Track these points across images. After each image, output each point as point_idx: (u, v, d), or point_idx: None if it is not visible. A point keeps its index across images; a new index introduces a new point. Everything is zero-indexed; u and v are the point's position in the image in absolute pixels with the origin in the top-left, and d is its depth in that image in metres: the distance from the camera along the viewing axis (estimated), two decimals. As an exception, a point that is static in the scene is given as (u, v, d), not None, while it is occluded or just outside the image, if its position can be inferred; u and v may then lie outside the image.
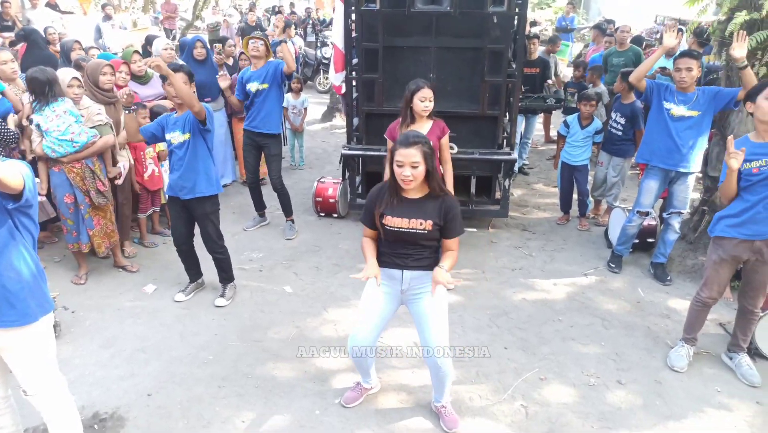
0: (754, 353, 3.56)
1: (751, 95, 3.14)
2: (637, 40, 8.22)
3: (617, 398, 3.22)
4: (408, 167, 2.47)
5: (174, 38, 13.30)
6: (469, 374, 3.38)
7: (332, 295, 4.28)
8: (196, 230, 4.09)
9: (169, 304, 4.11)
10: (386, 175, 4.07)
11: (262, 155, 5.27)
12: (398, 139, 2.56)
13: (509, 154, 5.15)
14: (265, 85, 4.96)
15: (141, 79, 5.24)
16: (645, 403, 3.18)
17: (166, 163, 5.13)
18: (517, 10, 4.94)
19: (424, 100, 3.69)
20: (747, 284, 3.33)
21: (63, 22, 10.37)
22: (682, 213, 4.45)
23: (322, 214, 5.71)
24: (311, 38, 13.99)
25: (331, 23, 14.58)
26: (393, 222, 2.57)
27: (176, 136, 3.79)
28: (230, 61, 6.62)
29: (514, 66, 5.08)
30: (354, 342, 2.80)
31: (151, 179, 4.90)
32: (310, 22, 14.53)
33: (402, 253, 2.67)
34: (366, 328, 2.77)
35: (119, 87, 4.78)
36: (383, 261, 2.73)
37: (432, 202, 2.59)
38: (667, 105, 4.19)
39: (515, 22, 5.03)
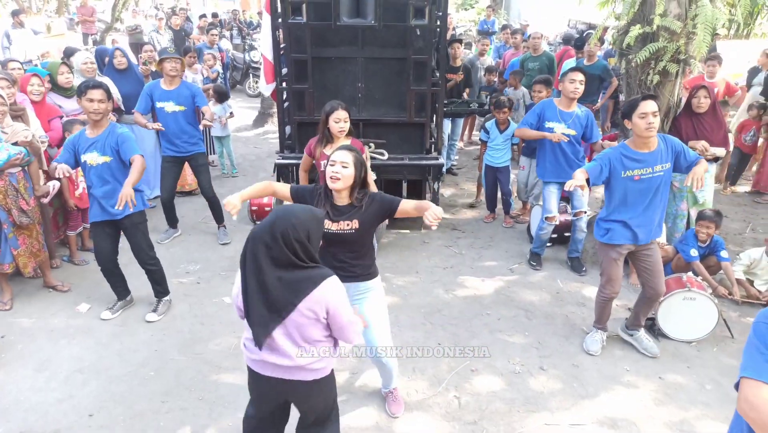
0: (658, 333, 3.99)
1: (626, 114, 3.43)
2: (581, 41, 8.55)
3: (539, 383, 3.53)
4: (339, 165, 2.69)
5: (94, 42, 12.78)
6: (407, 371, 3.60)
7: (271, 303, 4.37)
8: (120, 247, 4.07)
9: (104, 322, 4.07)
10: (302, 182, 4.27)
11: (182, 171, 5.33)
12: (340, 147, 2.82)
13: (437, 158, 5.42)
14: (182, 108, 5.00)
15: (67, 91, 5.09)
16: (564, 386, 3.51)
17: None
18: (438, 22, 5.20)
19: (338, 122, 3.82)
20: (644, 272, 3.69)
21: (-32, 27, 9.77)
22: (585, 212, 4.85)
23: (259, 222, 5.76)
24: (237, 41, 13.85)
25: (258, 26, 14.48)
26: (325, 225, 2.73)
27: (94, 158, 3.74)
28: (154, 68, 6.51)
29: (437, 74, 5.35)
30: None
31: (82, 197, 4.79)
32: (235, 25, 14.37)
33: (337, 264, 2.84)
34: None
35: (35, 103, 4.65)
36: None
37: (355, 208, 2.78)
38: (550, 124, 4.61)
39: (437, 33, 5.29)
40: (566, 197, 5.21)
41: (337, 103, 3.85)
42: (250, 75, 12.05)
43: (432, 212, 2.59)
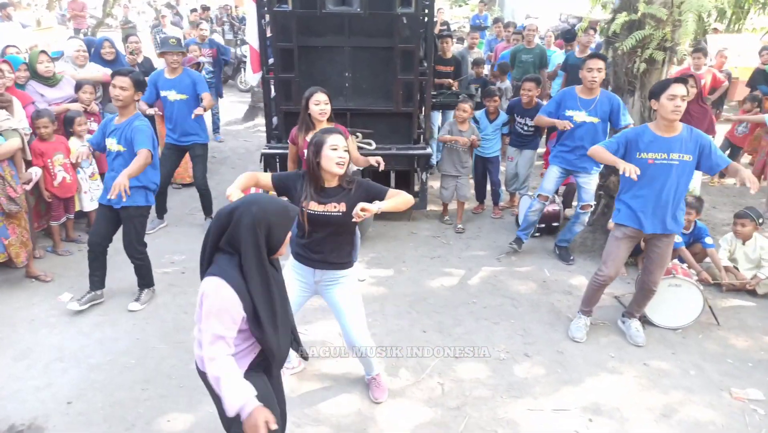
0: (644, 320, 3.97)
1: (655, 93, 3.39)
2: (570, 33, 8.56)
3: (523, 369, 3.51)
4: (341, 149, 2.68)
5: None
6: (390, 358, 3.57)
7: (256, 292, 4.34)
8: (115, 236, 4.05)
9: (86, 312, 4.02)
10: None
11: (181, 160, 5.30)
12: (326, 130, 2.77)
13: (424, 148, 5.40)
14: (185, 96, 5.00)
15: (48, 80, 5.04)
16: (548, 372, 3.49)
17: (82, 171, 5.00)
18: (425, 11, 5.18)
19: (318, 104, 3.80)
20: (647, 258, 3.70)
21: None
22: (592, 206, 4.81)
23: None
24: (230, 36, 13.79)
25: (250, 21, 14.39)
26: (310, 206, 2.75)
27: (113, 145, 3.79)
28: (140, 59, 6.46)
29: (425, 64, 5.33)
30: None
31: (61, 187, 4.74)
32: (227, 20, 14.30)
33: (316, 249, 2.83)
34: None
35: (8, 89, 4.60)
36: (299, 255, 2.89)
37: (343, 191, 2.77)
38: (570, 112, 4.52)
39: (424, 22, 5.27)
40: (566, 183, 5.23)
41: (316, 87, 3.83)
42: (242, 70, 12.00)
43: (359, 205, 2.52)
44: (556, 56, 7.94)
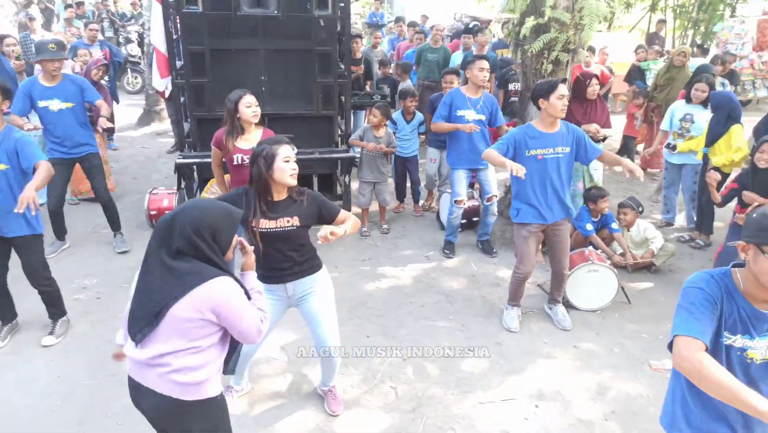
0: (566, 304, 4.28)
1: (543, 94, 3.60)
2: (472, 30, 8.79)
3: (469, 364, 3.64)
4: (293, 161, 2.63)
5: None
6: (340, 366, 3.53)
7: (186, 312, 4.10)
8: (11, 263, 3.62)
9: (-9, 352, 3.58)
10: (218, 181, 4.06)
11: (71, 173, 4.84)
12: (273, 141, 2.66)
13: (347, 151, 5.38)
14: (71, 104, 4.53)
15: None
16: (491, 364, 3.65)
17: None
18: (340, 13, 5.14)
19: (250, 106, 3.68)
20: (552, 248, 3.99)
21: None
22: (497, 196, 5.07)
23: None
24: (110, 33, 12.82)
25: (132, 18, 13.45)
26: (262, 224, 2.64)
27: None
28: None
29: (342, 66, 5.30)
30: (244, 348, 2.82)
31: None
32: (107, 16, 13.27)
33: (278, 266, 2.75)
34: None
35: None
36: (264, 276, 2.76)
37: (294, 203, 2.70)
38: (461, 112, 4.76)
39: (340, 24, 5.23)
40: (473, 183, 5.42)
41: (242, 90, 3.71)
42: (128, 70, 11.21)
43: (327, 229, 2.51)
44: (455, 56, 8.23)
